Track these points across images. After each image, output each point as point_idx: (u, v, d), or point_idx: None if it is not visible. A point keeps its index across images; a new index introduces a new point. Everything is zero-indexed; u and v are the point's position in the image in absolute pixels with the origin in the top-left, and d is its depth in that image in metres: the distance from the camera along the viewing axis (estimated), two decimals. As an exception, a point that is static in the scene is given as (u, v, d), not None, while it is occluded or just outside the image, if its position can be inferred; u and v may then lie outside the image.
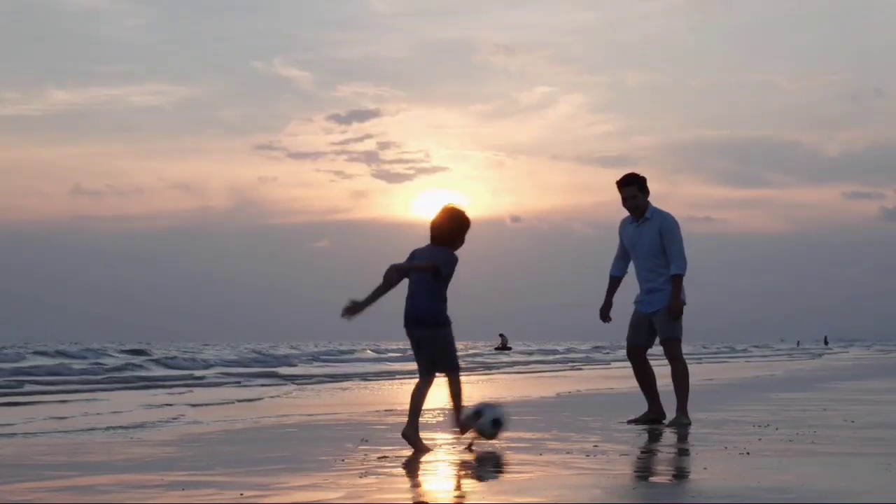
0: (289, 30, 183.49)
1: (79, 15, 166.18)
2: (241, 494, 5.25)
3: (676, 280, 8.96)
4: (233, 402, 13.96)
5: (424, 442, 7.07)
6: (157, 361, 31.04)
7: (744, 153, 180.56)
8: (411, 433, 6.98)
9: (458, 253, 7.08)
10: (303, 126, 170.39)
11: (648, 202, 9.10)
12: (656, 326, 9.11)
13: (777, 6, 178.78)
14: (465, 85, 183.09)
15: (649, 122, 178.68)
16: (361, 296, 6.95)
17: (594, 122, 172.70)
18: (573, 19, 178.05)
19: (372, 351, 49.07)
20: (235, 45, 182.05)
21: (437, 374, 7.09)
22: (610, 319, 9.36)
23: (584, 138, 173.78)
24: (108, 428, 9.43)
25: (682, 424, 8.88)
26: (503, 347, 61.58)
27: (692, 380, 9.43)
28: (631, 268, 9.31)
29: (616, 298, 9.41)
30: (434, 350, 7.02)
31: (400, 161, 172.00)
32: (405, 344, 7.50)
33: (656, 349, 9.17)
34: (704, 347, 76.41)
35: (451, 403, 7.16)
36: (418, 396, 7.02)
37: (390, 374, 25.84)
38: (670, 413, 9.11)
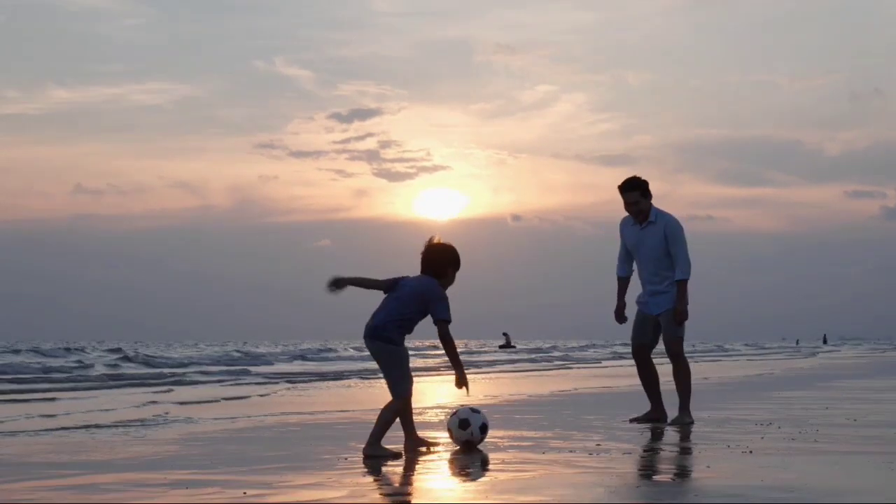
0: (290, 29, 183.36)
1: (79, 14, 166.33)
2: (245, 493, 5.25)
3: (682, 285, 8.95)
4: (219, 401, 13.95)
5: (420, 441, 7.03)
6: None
7: (744, 152, 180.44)
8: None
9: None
10: (304, 125, 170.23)
11: (651, 204, 9.08)
12: (662, 326, 9.10)
13: (777, 6, 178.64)
14: (466, 84, 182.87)
15: (650, 121, 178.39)
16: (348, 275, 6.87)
17: (595, 121, 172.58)
18: (574, 19, 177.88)
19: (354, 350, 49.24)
20: (236, 44, 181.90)
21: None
22: (626, 319, 9.28)
23: (585, 137, 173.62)
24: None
25: (684, 423, 8.88)
26: (507, 346, 62.70)
27: (694, 378, 9.41)
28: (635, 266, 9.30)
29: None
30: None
31: (401, 160, 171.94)
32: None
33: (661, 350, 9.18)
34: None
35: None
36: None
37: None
38: (672, 412, 9.11)
